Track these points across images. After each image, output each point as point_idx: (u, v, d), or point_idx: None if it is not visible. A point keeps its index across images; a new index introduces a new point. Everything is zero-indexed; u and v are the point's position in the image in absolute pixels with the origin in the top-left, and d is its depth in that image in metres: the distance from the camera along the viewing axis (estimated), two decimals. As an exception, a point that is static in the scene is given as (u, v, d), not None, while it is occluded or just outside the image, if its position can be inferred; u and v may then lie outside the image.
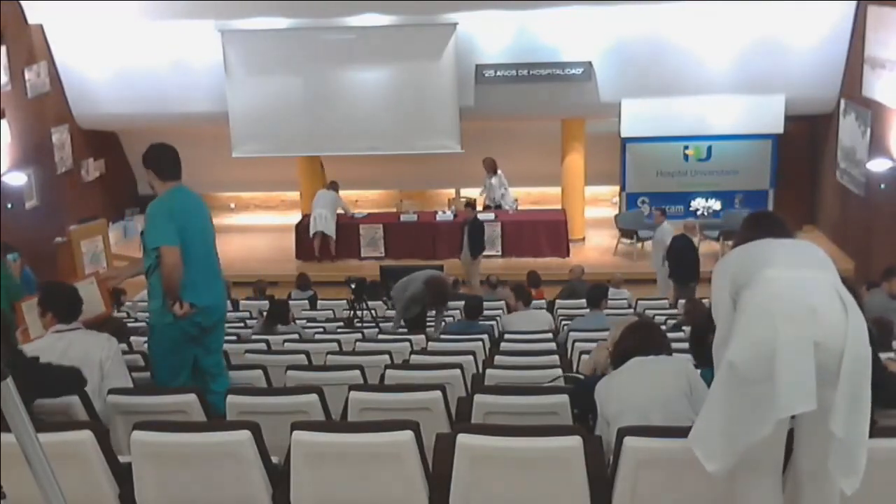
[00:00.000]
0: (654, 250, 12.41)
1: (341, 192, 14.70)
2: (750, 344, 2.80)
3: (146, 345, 5.07)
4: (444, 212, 14.92)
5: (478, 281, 12.32)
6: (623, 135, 14.24)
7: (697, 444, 2.89)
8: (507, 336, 7.21)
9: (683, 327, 7.04)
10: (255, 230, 16.01)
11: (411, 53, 14.04)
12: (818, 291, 2.84)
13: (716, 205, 14.47)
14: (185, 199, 4.76)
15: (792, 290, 2.84)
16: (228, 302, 10.56)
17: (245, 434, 3.18)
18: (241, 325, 8.98)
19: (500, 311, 9.50)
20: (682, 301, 9.57)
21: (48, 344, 4.20)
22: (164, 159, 4.77)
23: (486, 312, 8.88)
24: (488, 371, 5.25)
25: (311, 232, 14.22)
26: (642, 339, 3.83)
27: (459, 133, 14.26)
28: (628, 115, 14.04)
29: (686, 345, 4.96)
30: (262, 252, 15.07)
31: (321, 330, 8.65)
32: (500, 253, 14.08)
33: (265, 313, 8.26)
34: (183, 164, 4.82)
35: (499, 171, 14.83)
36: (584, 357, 5.63)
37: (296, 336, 7.56)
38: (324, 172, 15.87)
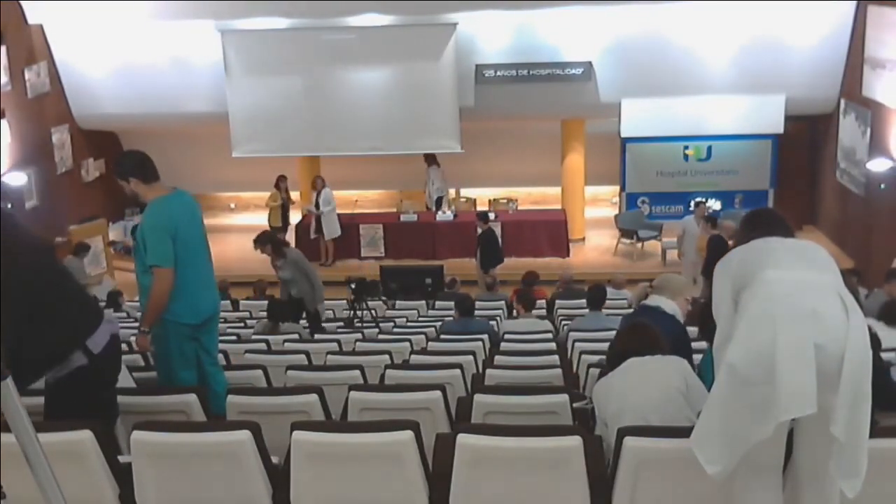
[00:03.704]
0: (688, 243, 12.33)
1: (338, 193, 14.70)
2: (750, 346, 2.79)
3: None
4: (444, 212, 14.93)
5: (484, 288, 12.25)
6: (623, 135, 14.25)
7: (698, 447, 2.89)
8: (507, 336, 7.21)
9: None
10: (255, 230, 15.92)
11: (411, 53, 14.04)
12: (819, 293, 2.83)
13: (716, 205, 14.46)
14: (181, 206, 4.62)
15: (792, 291, 2.83)
16: (228, 302, 10.64)
17: (245, 434, 3.17)
18: (241, 325, 8.98)
19: (500, 312, 9.50)
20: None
21: None
22: (145, 163, 4.59)
23: (485, 313, 8.89)
24: (488, 371, 5.25)
25: (333, 236, 14.19)
26: (639, 340, 3.84)
27: (459, 133, 14.26)
28: (628, 115, 14.04)
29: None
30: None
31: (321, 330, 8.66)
32: (500, 253, 14.09)
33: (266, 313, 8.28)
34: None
35: (432, 166, 15.07)
36: (585, 357, 5.64)
37: (296, 336, 7.56)
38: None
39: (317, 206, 14.08)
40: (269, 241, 8.99)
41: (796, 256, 3.00)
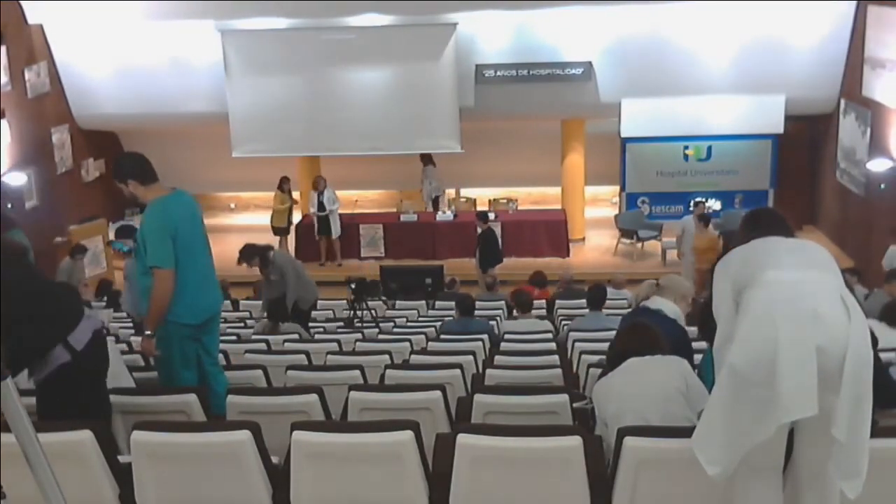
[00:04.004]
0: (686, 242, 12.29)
1: (338, 193, 14.70)
2: (752, 348, 2.78)
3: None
4: (444, 212, 14.93)
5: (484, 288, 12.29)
6: (623, 135, 14.24)
7: (699, 448, 2.89)
8: (507, 336, 7.21)
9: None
10: (255, 230, 15.98)
11: (411, 53, 14.04)
12: (820, 294, 2.82)
13: (716, 205, 14.46)
14: (181, 206, 4.61)
15: (794, 293, 2.82)
16: (228, 302, 10.65)
17: (245, 434, 3.18)
18: (241, 325, 8.98)
19: (500, 312, 9.49)
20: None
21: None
22: (143, 165, 4.58)
23: (485, 313, 8.90)
24: (488, 371, 5.25)
25: (340, 234, 14.27)
26: (639, 340, 3.84)
27: (459, 133, 14.26)
28: (628, 115, 14.04)
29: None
30: (262, 252, 15.03)
31: (321, 330, 8.66)
32: (500, 253, 14.09)
33: (266, 314, 8.29)
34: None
35: (428, 165, 15.23)
36: (585, 357, 5.64)
37: (296, 336, 7.56)
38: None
39: (321, 206, 14.07)
40: (255, 254, 8.88)
41: (797, 257, 2.99)
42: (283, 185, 14.55)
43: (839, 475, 2.77)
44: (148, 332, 4.55)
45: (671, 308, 4.80)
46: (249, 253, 8.87)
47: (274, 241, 14.52)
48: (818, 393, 2.68)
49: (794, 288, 2.84)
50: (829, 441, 2.75)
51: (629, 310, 9.31)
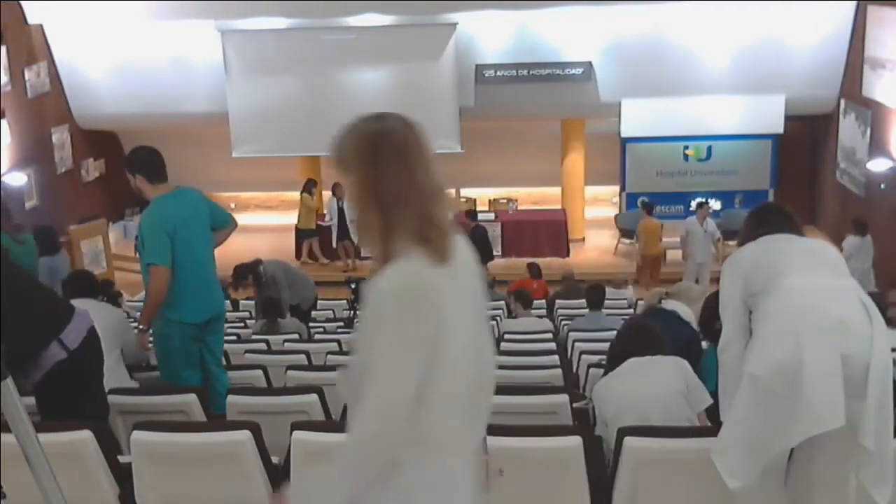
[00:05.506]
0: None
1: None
2: (775, 359, 2.73)
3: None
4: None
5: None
6: (623, 135, 14.25)
7: (719, 459, 2.85)
8: (506, 336, 7.21)
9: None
10: (255, 230, 15.98)
11: (411, 53, 14.04)
12: (842, 301, 2.79)
13: (716, 205, 14.45)
14: (183, 205, 4.62)
15: (816, 301, 2.78)
16: (228, 302, 10.64)
17: (245, 434, 3.18)
18: (241, 325, 8.98)
19: (499, 312, 9.49)
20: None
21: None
22: (154, 163, 4.62)
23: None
24: (488, 371, 5.23)
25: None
26: (639, 340, 3.84)
27: (459, 133, 14.26)
28: (628, 115, 14.04)
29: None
30: (262, 252, 14.83)
31: (321, 330, 8.65)
32: (499, 253, 14.08)
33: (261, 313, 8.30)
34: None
35: None
36: (585, 357, 5.64)
37: (296, 336, 7.56)
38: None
39: (341, 213, 14.03)
40: (248, 272, 9.03)
41: (813, 261, 2.93)
42: (311, 189, 14.30)
43: (868, 483, 2.73)
44: (142, 327, 4.62)
45: (685, 310, 4.82)
46: (243, 273, 9.07)
47: (291, 243, 14.56)
48: (843, 400, 2.65)
49: (815, 296, 2.79)
50: (848, 447, 2.72)
51: (629, 310, 9.36)
